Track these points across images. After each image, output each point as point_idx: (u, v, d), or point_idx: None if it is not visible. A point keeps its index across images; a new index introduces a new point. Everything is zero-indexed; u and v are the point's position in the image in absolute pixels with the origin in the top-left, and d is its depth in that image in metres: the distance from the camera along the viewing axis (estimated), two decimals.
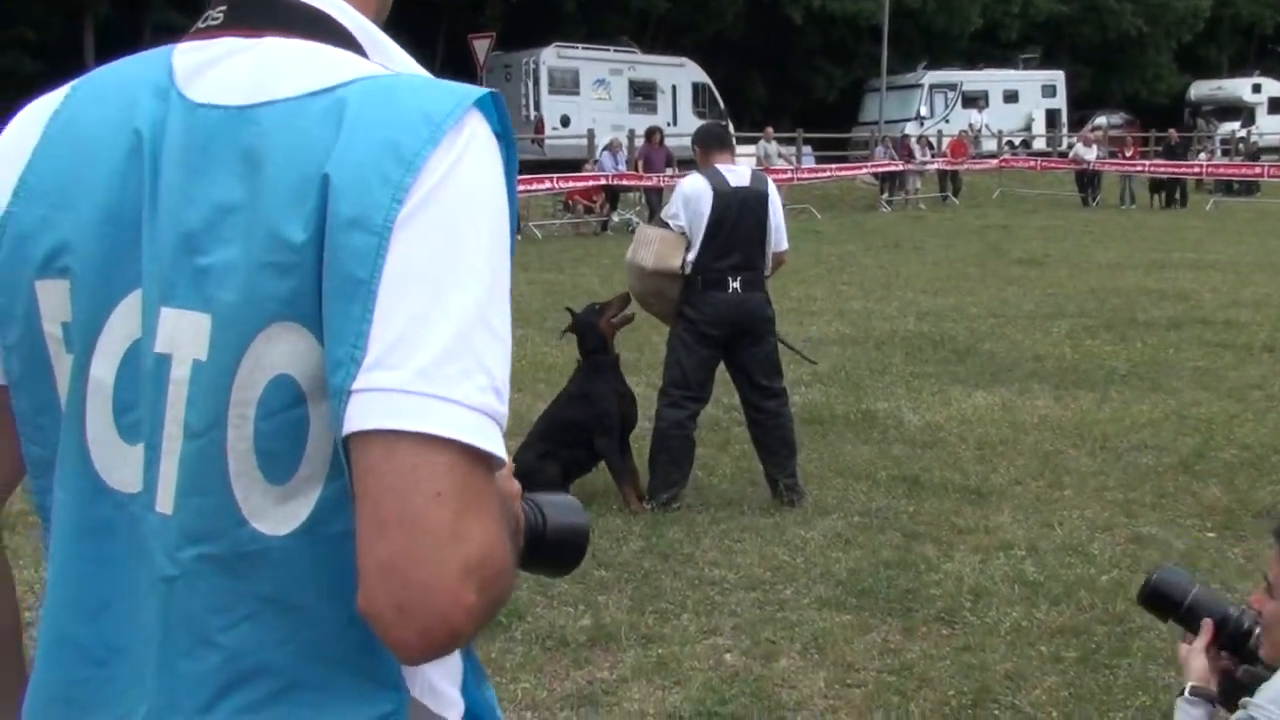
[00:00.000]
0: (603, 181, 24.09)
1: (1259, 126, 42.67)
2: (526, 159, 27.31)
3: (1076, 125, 42.47)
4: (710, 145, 6.34)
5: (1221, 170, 31.33)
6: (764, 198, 6.16)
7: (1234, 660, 2.42)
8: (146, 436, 1.14)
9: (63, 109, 1.25)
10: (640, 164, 24.47)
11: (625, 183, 24.22)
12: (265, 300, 1.06)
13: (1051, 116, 42.72)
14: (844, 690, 4.19)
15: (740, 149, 32.14)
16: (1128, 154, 31.68)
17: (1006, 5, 44.23)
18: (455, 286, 1.03)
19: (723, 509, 6.13)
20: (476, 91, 1.12)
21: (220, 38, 1.17)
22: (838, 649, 4.48)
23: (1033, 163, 34.64)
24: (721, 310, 6.07)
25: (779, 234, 6.24)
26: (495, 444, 1.03)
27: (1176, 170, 30.13)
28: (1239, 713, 2.23)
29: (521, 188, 23.15)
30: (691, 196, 6.07)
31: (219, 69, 1.15)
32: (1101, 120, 42.97)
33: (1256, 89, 45.69)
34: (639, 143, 25.80)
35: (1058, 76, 43.87)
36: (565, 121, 30.63)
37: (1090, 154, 30.21)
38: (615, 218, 24.32)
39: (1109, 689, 4.15)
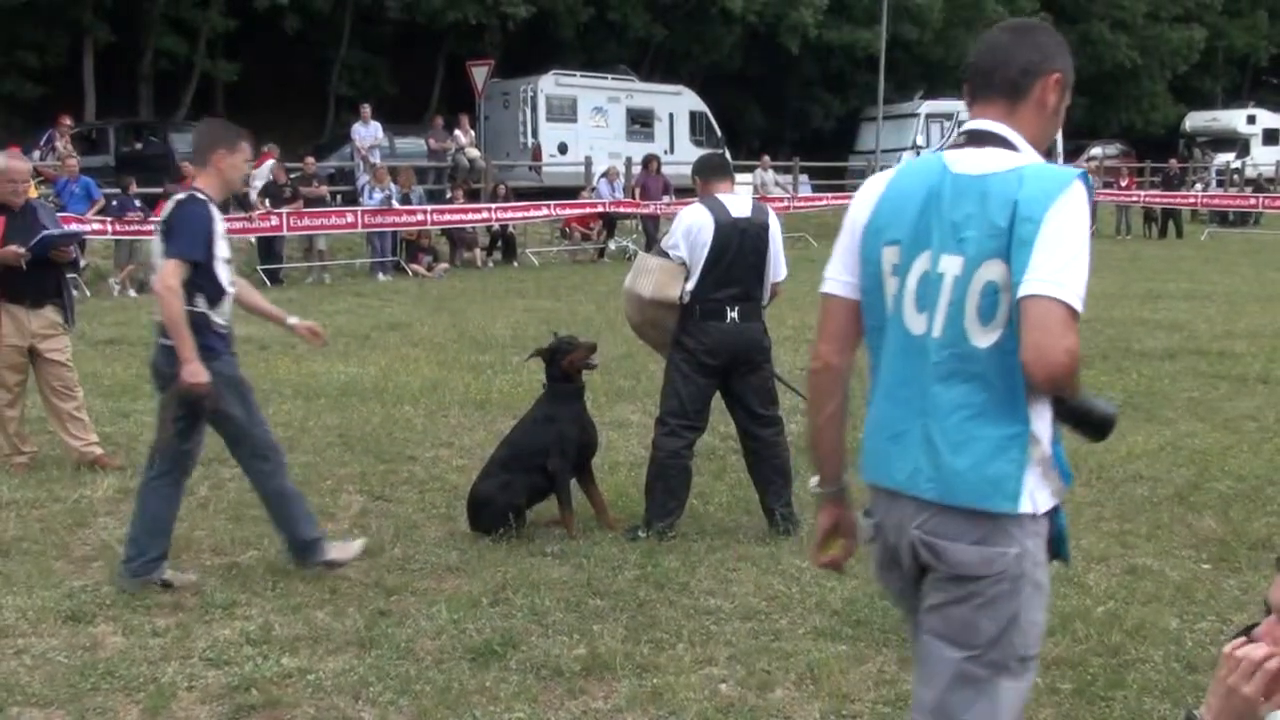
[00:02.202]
0: (600, 209, 24.15)
1: (1254, 157, 42.81)
2: (524, 186, 27.40)
3: (1072, 156, 42.55)
4: (711, 175, 6.32)
5: (1217, 201, 31.42)
6: (765, 229, 6.13)
7: None
8: (929, 308, 2.62)
9: (894, 179, 2.77)
10: (637, 192, 24.53)
11: (622, 210, 24.29)
12: (985, 250, 2.53)
13: (1047, 147, 42.81)
14: None
15: (737, 177, 32.31)
16: (1123, 184, 31.77)
17: None
18: (1066, 246, 2.45)
19: (718, 538, 6.12)
20: (1078, 171, 2.58)
21: (965, 148, 2.68)
22: (833, 679, 4.47)
23: None
24: (719, 340, 6.06)
25: (778, 264, 6.23)
26: (1080, 306, 2.42)
27: (1172, 201, 30.23)
28: None
29: (518, 215, 23.26)
30: (693, 227, 6.04)
31: (967, 159, 2.65)
32: (1097, 151, 43.08)
33: (1251, 120, 45.86)
34: (636, 170, 25.88)
35: None
36: (563, 149, 30.68)
37: None
38: (612, 245, 24.36)
39: None
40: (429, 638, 4.87)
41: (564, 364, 6.37)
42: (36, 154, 20.78)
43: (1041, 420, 2.56)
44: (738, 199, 6.26)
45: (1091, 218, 2.71)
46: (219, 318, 5.36)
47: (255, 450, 5.54)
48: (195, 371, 5.17)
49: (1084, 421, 2.62)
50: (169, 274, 5.17)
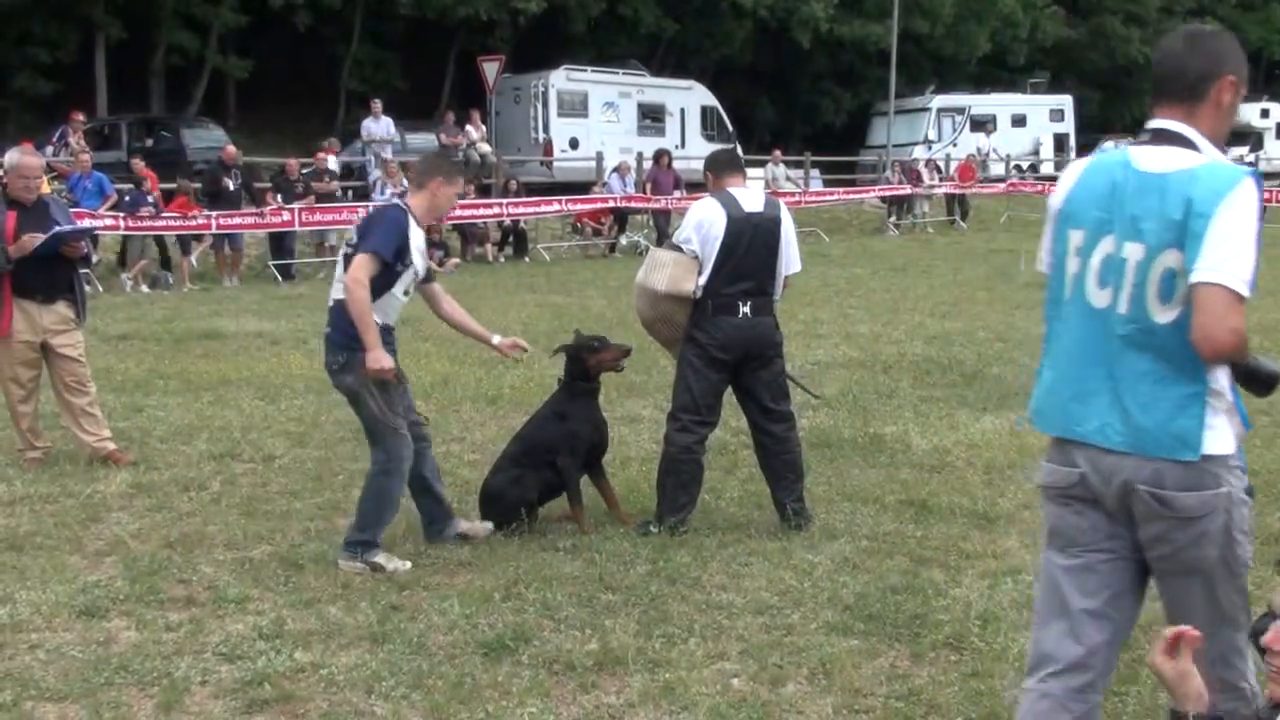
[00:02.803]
0: (611, 204, 24.14)
1: (1267, 151, 42.63)
2: (535, 181, 27.40)
3: (1084, 149, 42.45)
4: (723, 170, 6.28)
5: None
6: (777, 223, 6.10)
7: None
8: (1112, 284, 3.00)
9: (1084, 172, 3.15)
10: (648, 186, 24.53)
11: (633, 205, 24.28)
12: (1164, 240, 2.90)
13: (1060, 140, 42.73)
14: (852, 716, 4.18)
15: (749, 172, 32.30)
16: None
17: (1014, 30, 44.25)
18: (1234, 237, 2.82)
19: (730, 533, 6.12)
20: (1249, 170, 2.92)
21: (1148, 146, 3.03)
22: (845, 674, 4.47)
23: (1041, 187, 34.62)
24: (731, 335, 6.03)
25: (790, 258, 6.19)
26: (1245, 291, 2.80)
27: None
28: None
29: (529, 210, 23.27)
30: (705, 221, 6.01)
31: (1149, 156, 3.01)
32: (1109, 144, 42.79)
33: (1265, 114, 45.69)
34: (647, 165, 25.87)
35: (1066, 101, 43.91)
36: (574, 144, 30.70)
37: None
38: (623, 240, 24.37)
39: (1118, 716, 4.14)
40: (441, 632, 4.88)
41: (591, 363, 6.33)
42: (49, 149, 20.84)
43: (1223, 375, 2.98)
44: (750, 193, 6.22)
45: (1262, 212, 2.93)
46: (378, 315, 5.54)
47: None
48: (377, 358, 5.44)
49: (1253, 379, 3.02)
50: (359, 267, 5.43)
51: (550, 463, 6.19)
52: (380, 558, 5.64)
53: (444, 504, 6.11)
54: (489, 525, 6.09)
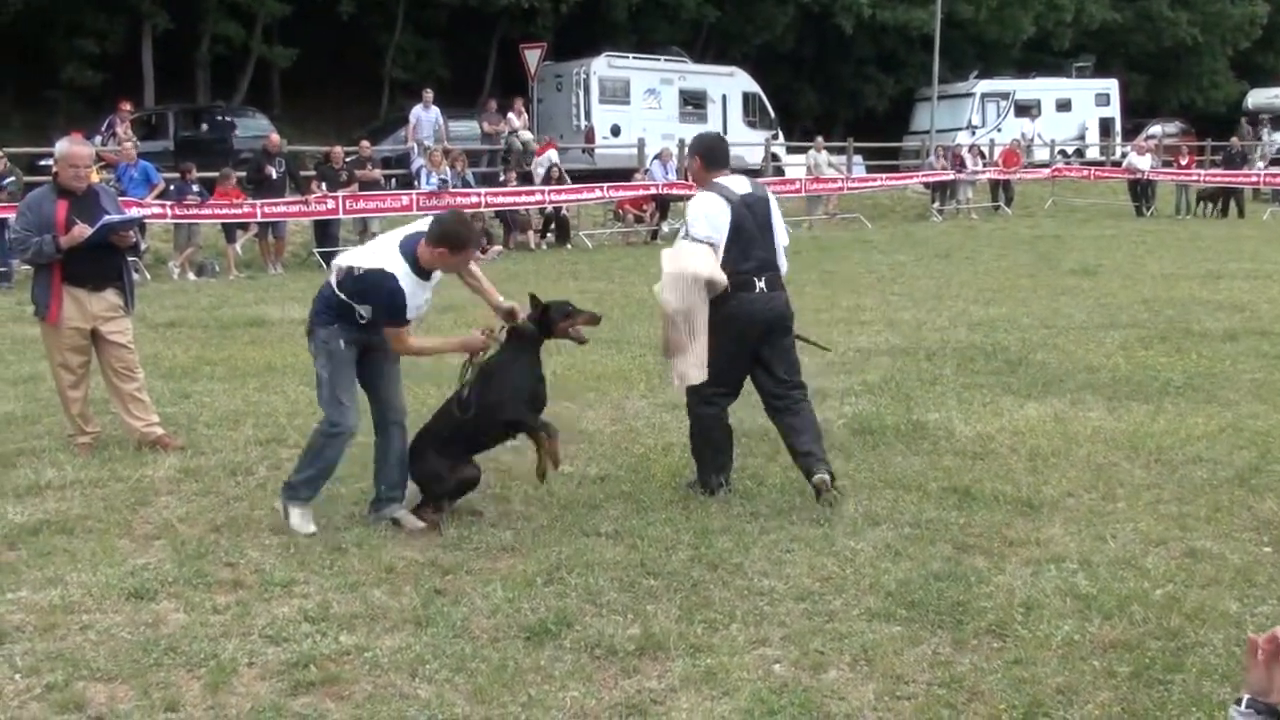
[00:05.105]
0: (653, 191, 24.12)
1: None
2: (577, 169, 27.40)
3: (1131, 134, 42.03)
4: (714, 161, 6.53)
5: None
6: (767, 201, 6.46)
7: None
8: None
9: None
10: (688, 174, 24.46)
11: (675, 192, 24.24)
12: None
13: (1105, 125, 42.29)
14: (894, 703, 4.17)
15: (790, 159, 32.24)
16: (1183, 163, 31.29)
17: (1059, 14, 43.76)
18: None
19: (772, 519, 6.12)
20: None
21: None
22: (887, 661, 4.46)
23: (1086, 172, 34.37)
24: (751, 310, 6.27)
25: (780, 231, 6.51)
26: None
27: (1233, 180, 29.74)
28: None
29: (571, 197, 23.31)
30: (710, 211, 6.30)
31: None
32: (1156, 129, 42.49)
33: None
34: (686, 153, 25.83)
35: (1111, 85, 43.44)
36: (616, 131, 30.68)
37: (1144, 163, 29.91)
38: (665, 227, 24.34)
39: (1163, 705, 4.10)
40: (484, 616, 4.91)
41: (559, 324, 6.27)
42: (98, 139, 21.06)
43: None
44: (736, 180, 6.51)
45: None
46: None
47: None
48: (468, 344, 6.22)
49: None
50: (399, 340, 5.95)
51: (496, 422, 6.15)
52: (296, 512, 6.05)
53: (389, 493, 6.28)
54: (420, 524, 6.09)
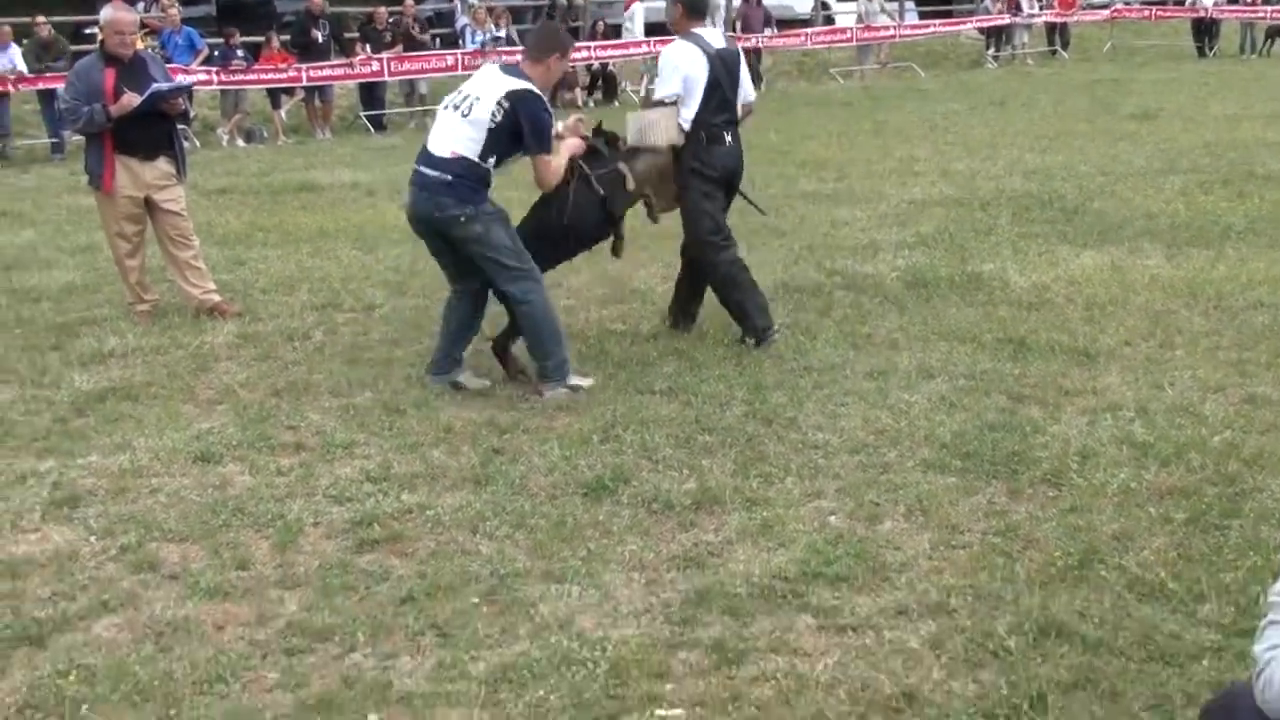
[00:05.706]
0: None
1: None
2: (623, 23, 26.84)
3: None
4: (695, 10, 6.61)
5: None
6: (738, 57, 6.64)
7: None
8: None
9: None
10: (738, 25, 23.99)
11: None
12: None
13: None
14: (949, 552, 4.22)
15: (841, 6, 31.45)
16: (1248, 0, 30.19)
17: None
18: None
19: (825, 373, 6.12)
20: None
21: None
22: (942, 511, 4.50)
23: (1146, 12, 33.21)
24: (723, 160, 6.54)
25: (747, 88, 6.71)
26: None
27: None
28: None
29: (618, 52, 22.92)
30: (684, 62, 6.42)
31: None
32: None
33: None
34: (737, 3, 25.27)
35: None
36: None
37: (1208, 0, 28.93)
38: None
39: (1219, 549, 4.12)
40: (542, 474, 4.98)
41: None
42: (140, 5, 20.90)
43: None
44: (712, 33, 6.69)
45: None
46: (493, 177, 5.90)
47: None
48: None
49: None
50: (546, 169, 5.93)
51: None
52: (573, 380, 5.98)
53: (457, 356, 6.23)
54: (486, 382, 6.16)
